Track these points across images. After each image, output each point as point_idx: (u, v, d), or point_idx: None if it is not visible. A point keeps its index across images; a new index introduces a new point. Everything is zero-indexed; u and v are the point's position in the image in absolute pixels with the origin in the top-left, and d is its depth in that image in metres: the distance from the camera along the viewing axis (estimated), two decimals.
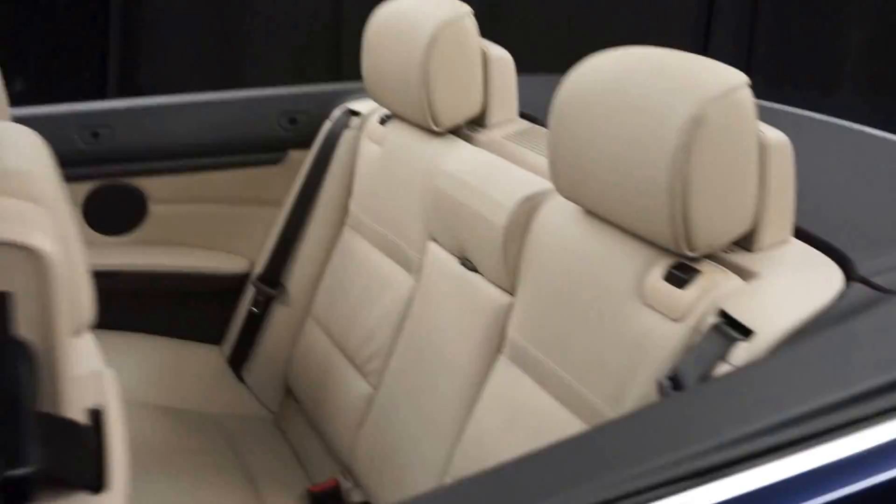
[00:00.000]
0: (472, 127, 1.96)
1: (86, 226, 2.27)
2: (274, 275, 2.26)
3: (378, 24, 2.02)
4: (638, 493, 0.93)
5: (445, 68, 1.87)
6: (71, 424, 0.96)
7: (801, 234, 1.38)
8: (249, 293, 2.30)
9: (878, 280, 1.26)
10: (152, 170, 2.26)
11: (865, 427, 1.01)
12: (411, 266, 1.91)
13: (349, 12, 4.38)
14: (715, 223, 1.29)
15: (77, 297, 1.02)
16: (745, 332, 1.20)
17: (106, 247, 2.29)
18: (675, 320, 1.31)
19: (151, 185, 2.28)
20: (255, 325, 2.28)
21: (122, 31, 4.81)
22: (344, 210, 2.18)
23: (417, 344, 1.83)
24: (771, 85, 2.90)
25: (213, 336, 2.36)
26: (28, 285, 0.91)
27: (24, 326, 0.92)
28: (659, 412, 1.09)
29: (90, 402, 1.06)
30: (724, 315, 1.24)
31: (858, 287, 1.26)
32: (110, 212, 2.28)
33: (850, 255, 1.32)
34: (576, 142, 1.41)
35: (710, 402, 1.09)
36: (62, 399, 0.96)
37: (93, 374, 1.12)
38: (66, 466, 0.94)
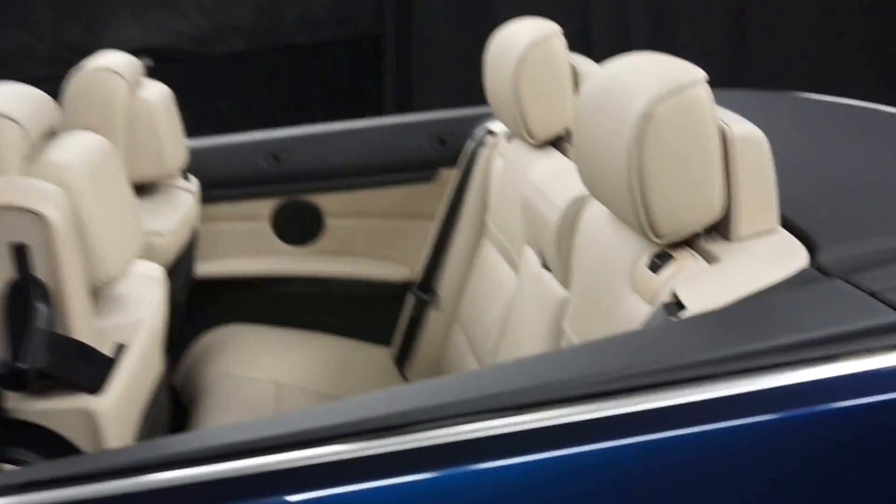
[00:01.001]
0: (570, 138, 2.10)
1: (275, 237, 2.61)
2: (428, 282, 2.49)
3: (490, 47, 2.21)
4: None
5: (533, 85, 2.03)
6: (80, 345, 1.27)
7: (787, 223, 1.44)
8: (411, 299, 2.55)
9: (829, 266, 1.31)
10: (326, 188, 2.57)
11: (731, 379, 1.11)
12: (517, 269, 2.08)
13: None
14: (675, 212, 1.38)
15: (91, 258, 1.32)
16: (681, 308, 1.30)
17: (292, 255, 2.62)
18: (648, 302, 1.42)
19: (326, 202, 2.59)
20: (414, 327, 2.52)
21: (395, 70, 5.26)
22: (482, 222, 2.38)
23: (512, 341, 2.00)
24: None
25: (384, 337, 2.62)
26: (40, 241, 1.23)
27: (39, 271, 1.23)
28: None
29: (118, 339, 1.37)
30: (674, 295, 1.34)
31: (809, 272, 1.31)
32: (294, 225, 2.61)
33: (820, 245, 1.37)
34: (585, 141, 1.54)
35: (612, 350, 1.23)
36: (74, 328, 1.26)
37: (130, 321, 1.43)
38: (67, 371, 1.26)
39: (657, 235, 1.40)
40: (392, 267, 2.62)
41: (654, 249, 1.45)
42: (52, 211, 1.25)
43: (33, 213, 1.24)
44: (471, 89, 3.76)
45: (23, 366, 1.20)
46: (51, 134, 1.49)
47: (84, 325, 1.29)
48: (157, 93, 2.25)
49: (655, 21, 4.79)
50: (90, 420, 1.26)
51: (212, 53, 4.98)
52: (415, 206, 2.59)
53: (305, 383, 2.47)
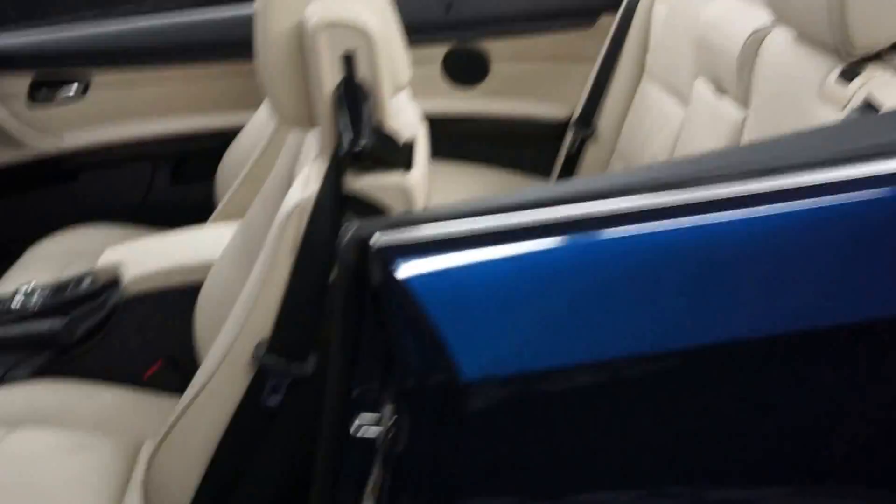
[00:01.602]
0: None
1: (444, 79, 2.92)
2: (588, 119, 2.79)
3: None
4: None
5: None
6: (390, 137, 1.59)
7: None
8: (569, 135, 2.86)
9: None
10: (493, 33, 2.87)
11: None
12: (685, 101, 2.37)
13: None
14: (869, 28, 1.66)
15: (394, 66, 1.62)
16: (878, 109, 1.59)
17: (460, 96, 2.94)
18: (841, 109, 1.71)
19: (492, 47, 2.89)
20: (574, 160, 2.83)
21: None
22: (642, 63, 2.67)
23: None
24: None
25: (545, 171, 2.94)
26: (364, 50, 1.53)
27: (362, 74, 1.54)
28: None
29: (407, 136, 1.69)
30: (867, 100, 1.63)
31: None
32: (463, 68, 2.92)
33: None
34: None
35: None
36: (384, 120, 1.57)
37: (410, 122, 1.74)
38: (386, 153, 1.57)
39: (850, 51, 1.69)
40: (553, 106, 2.92)
41: (844, 64, 1.74)
42: (373, 25, 1.56)
43: (359, 27, 1.55)
44: None
45: (357, 148, 1.53)
46: None
47: (392, 120, 1.62)
48: None
49: None
50: (405, 193, 1.58)
51: None
52: (576, 51, 2.88)
53: None
